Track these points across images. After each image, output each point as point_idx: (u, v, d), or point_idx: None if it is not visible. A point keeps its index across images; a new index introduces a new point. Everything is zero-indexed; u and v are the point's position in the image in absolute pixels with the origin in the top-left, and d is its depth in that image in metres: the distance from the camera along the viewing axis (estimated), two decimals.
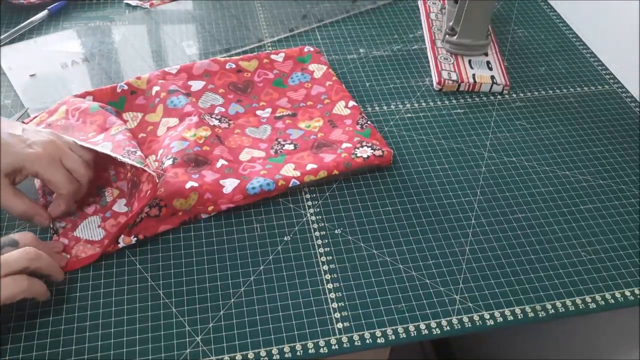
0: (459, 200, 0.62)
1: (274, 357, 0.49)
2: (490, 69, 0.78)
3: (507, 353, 1.00)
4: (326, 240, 0.58)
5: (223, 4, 0.88)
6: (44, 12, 0.82)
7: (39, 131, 0.56)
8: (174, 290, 0.53)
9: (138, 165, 0.55)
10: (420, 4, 0.90)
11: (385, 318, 0.52)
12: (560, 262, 0.57)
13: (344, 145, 0.64)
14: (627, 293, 0.55)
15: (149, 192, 0.54)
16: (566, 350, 0.82)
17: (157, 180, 0.55)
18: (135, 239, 0.55)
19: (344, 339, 0.51)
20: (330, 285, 0.54)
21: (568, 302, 0.54)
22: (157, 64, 0.77)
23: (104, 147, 0.57)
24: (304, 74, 0.74)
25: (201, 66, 0.71)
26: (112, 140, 0.58)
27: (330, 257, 0.56)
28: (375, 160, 0.63)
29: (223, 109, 0.69)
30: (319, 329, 0.51)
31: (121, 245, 0.55)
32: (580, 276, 0.56)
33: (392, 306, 0.53)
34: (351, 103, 0.70)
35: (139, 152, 0.57)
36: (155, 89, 0.68)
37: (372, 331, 0.51)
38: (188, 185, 0.57)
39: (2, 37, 0.78)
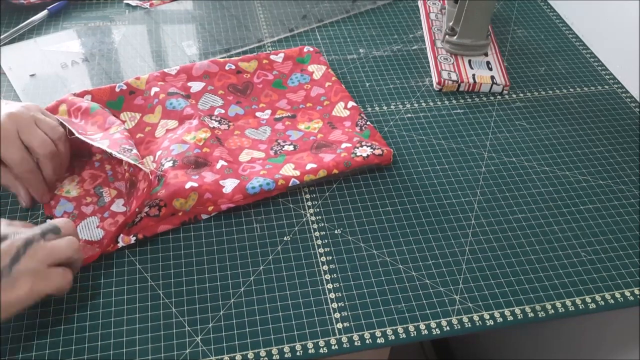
0: (459, 200, 0.62)
1: (274, 357, 0.49)
2: (490, 69, 0.78)
3: (507, 353, 1.00)
4: (326, 240, 0.58)
5: (223, 4, 0.88)
6: (44, 12, 0.82)
7: (6, 107, 0.55)
8: (174, 290, 0.53)
9: (132, 162, 0.55)
10: (420, 4, 0.90)
11: (385, 318, 0.52)
12: (560, 262, 0.57)
13: (344, 145, 0.64)
14: (627, 293, 0.55)
15: (145, 190, 0.54)
16: (566, 350, 0.82)
17: (151, 177, 0.55)
18: (135, 238, 0.55)
19: (344, 339, 0.51)
20: (330, 285, 0.54)
21: (568, 302, 0.54)
22: (157, 64, 0.77)
23: (101, 143, 0.57)
24: (304, 75, 0.74)
25: (201, 67, 0.71)
26: (110, 139, 0.58)
27: (330, 257, 0.56)
28: (375, 159, 0.63)
29: (223, 111, 0.69)
30: (319, 329, 0.51)
31: (120, 244, 0.55)
32: (580, 276, 0.56)
33: (392, 306, 0.53)
34: (350, 104, 0.70)
35: (134, 150, 0.57)
36: (154, 89, 0.68)
37: (372, 331, 0.51)
38: (188, 185, 0.57)
39: (2, 37, 0.78)
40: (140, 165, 0.55)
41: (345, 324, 0.52)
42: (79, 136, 0.57)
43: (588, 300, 0.55)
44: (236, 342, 0.50)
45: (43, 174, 0.56)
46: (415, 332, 0.51)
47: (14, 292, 0.45)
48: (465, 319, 0.52)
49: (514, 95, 0.76)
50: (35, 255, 0.46)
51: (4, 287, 0.44)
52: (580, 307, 0.54)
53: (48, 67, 0.74)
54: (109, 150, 0.56)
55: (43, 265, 0.46)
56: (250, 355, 0.49)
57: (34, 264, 0.46)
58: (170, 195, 0.56)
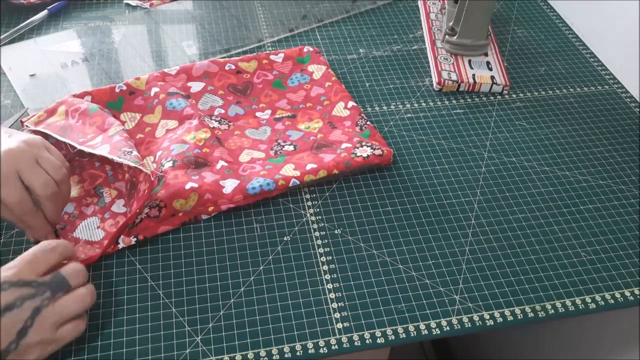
0: (459, 200, 0.62)
1: (274, 357, 0.49)
2: (490, 69, 0.78)
3: (507, 353, 1.00)
4: (326, 240, 0.58)
5: (223, 4, 0.88)
6: (44, 12, 0.82)
7: (10, 141, 0.51)
8: (174, 290, 0.53)
9: (133, 164, 0.55)
10: (420, 4, 0.90)
11: (385, 318, 0.52)
12: (560, 262, 0.57)
13: (344, 145, 0.64)
14: (627, 293, 0.55)
15: (145, 191, 0.54)
16: (566, 350, 0.82)
17: (153, 178, 0.55)
18: (135, 239, 0.55)
19: (344, 339, 0.51)
20: (330, 285, 0.54)
21: (568, 302, 0.54)
22: (157, 64, 0.77)
23: (102, 149, 0.57)
24: (303, 75, 0.74)
25: (200, 67, 0.71)
26: (110, 142, 0.58)
27: (330, 257, 0.56)
28: (375, 159, 0.63)
29: (223, 111, 0.69)
30: (319, 329, 0.51)
31: (121, 245, 0.55)
32: (580, 276, 0.56)
33: (392, 306, 0.53)
34: (350, 103, 0.70)
35: (134, 152, 0.57)
36: (154, 90, 0.68)
37: (372, 331, 0.51)
38: (188, 186, 0.57)
39: (2, 37, 0.78)
40: (141, 167, 0.55)
41: (345, 324, 0.52)
42: (81, 147, 0.57)
43: (588, 300, 0.55)
44: (236, 342, 0.50)
45: (44, 213, 0.52)
46: (415, 332, 0.51)
47: None
48: (465, 319, 0.52)
49: (514, 95, 0.76)
50: (44, 324, 0.44)
51: None
52: (580, 307, 0.54)
53: (48, 67, 0.74)
54: (110, 157, 0.56)
55: (52, 331, 0.44)
56: (250, 355, 0.49)
57: (42, 335, 0.43)
58: (171, 196, 0.56)
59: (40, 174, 0.50)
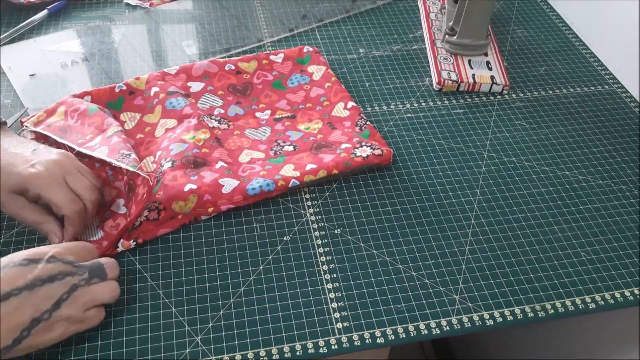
0: (459, 200, 0.62)
1: (274, 357, 0.49)
2: (490, 69, 0.78)
3: (507, 353, 1.00)
4: (326, 240, 0.58)
5: (223, 4, 0.88)
6: (44, 12, 0.82)
7: (49, 151, 0.54)
8: (174, 290, 0.53)
9: (132, 169, 0.55)
10: (420, 4, 0.90)
11: (385, 318, 0.52)
12: (560, 262, 0.57)
13: (344, 146, 0.64)
14: (627, 293, 0.55)
15: (145, 195, 0.54)
16: (566, 350, 0.82)
17: (151, 183, 0.55)
18: (135, 243, 0.55)
19: (344, 339, 0.51)
20: (330, 285, 0.54)
21: (568, 302, 0.54)
22: (157, 64, 0.77)
23: (101, 152, 0.57)
24: (303, 76, 0.74)
25: (200, 67, 0.71)
26: (108, 144, 0.58)
27: (330, 257, 0.56)
28: (375, 159, 0.63)
29: (222, 111, 0.69)
30: (319, 329, 0.51)
31: (120, 249, 0.55)
32: (580, 276, 0.56)
33: (392, 306, 0.53)
34: (350, 104, 0.70)
35: (133, 155, 0.57)
36: (154, 90, 0.68)
37: (372, 331, 0.51)
38: (187, 188, 0.57)
39: (2, 37, 0.78)
40: (139, 172, 0.55)
41: (345, 324, 0.52)
42: (80, 149, 0.57)
43: (588, 300, 0.55)
44: (236, 342, 0.50)
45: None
46: (415, 332, 0.51)
47: (47, 336, 0.45)
48: (465, 319, 0.52)
49: (514, 95, 0.76)
50: (77, 302, 0.46)
51: (40, 332, 0.44)
52: (580, 307, 0.54)
53: (48, 67, 0.74)
54: (108, 160, 0.56)
55: (81, 311, 0.47)
56: (250, 355, 0.49)
57: (72, 312, 0.46)
58: (170, 199, 0.56)
59: (85, 180, 0.54)
